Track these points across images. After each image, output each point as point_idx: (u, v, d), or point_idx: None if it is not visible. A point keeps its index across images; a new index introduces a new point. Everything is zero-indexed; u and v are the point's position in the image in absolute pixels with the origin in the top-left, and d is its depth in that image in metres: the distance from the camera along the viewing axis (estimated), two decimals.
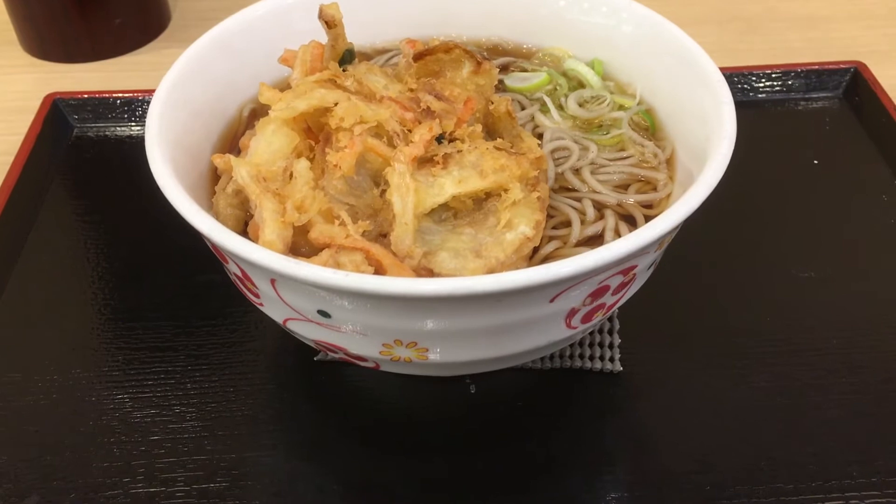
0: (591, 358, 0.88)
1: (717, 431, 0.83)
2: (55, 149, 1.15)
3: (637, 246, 0.65)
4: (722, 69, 0.82)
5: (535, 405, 0.86)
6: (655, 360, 0.89)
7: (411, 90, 0.78)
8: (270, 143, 0.73)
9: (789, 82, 1.21)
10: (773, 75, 1.21)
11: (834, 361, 0.89)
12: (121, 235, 1.04)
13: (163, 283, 0.98)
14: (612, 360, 0.88)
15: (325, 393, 0.88)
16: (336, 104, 0.73)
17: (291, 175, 0.71)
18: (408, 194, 0.70)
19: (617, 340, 0.90)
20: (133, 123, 1.19)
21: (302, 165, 0.71)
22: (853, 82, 1.20)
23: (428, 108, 0.76)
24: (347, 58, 0.82)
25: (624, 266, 0.68)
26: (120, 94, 1.19)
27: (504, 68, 0.98)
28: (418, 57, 0.82)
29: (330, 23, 0.78)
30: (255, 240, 0.68)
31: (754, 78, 1.21)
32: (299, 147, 0.74)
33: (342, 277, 0.62)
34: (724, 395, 0.86)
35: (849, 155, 1.13)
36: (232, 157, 0.73)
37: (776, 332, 0.91)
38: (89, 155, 1.16)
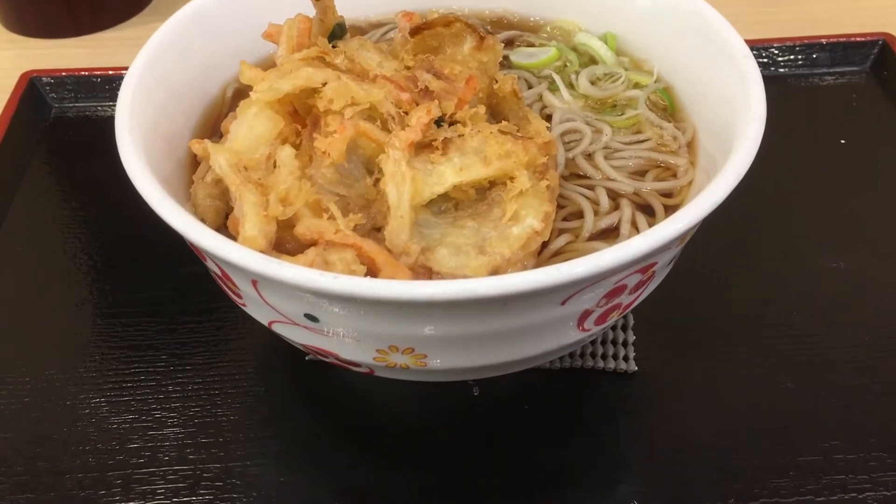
0: (604, 357, 0.85)
1: (739, 436, 0.80)
2: (32, 130, 1.12)
3: (658, 243, 0.60)
4: None
5: (544, 408, 0.83)
6: (673, 358, 0.86)
7: (408, 68, 0.76)
8: (252, 128, 0.70)
9: (814, 56, 1.18)
10: (797, 48, 1.18)
11: (867, 360, 0.85)
12: (101, 225, 1.01)
13: (144, 276, 0.95)
14: (626, 359, 0.85)
15: (317, 396, 0.85)
16: (325, 84, 0.70)
17: (275, 163, 0.68)
18: (404, 184, 0.67)
19: (631, 338, 0.86)
20: (115, 103, 1.13)
21: (287, 153, 0.68)
22: (881, 55, 1.17)
23: (426, 87, 0.73)
24: (338, 32, 0.79)
25: (643, 264, 0.64)
26: (100, 72, 1.16)
27: (509, 43, 0.95)
28: (416, 31, 0.79)
29: None
30: (235, 235, 0.65)
31: (776, 51, 1.18)
32: (284, 132, 0.71)
33: (330, 280, 0.58)
34: (747, 396, 0.83)
35: (878, 133, 1.10)
36: (210, 144, 0.69)
37: (803, 328, 0.88)
38: (68, 137, 1.13)
